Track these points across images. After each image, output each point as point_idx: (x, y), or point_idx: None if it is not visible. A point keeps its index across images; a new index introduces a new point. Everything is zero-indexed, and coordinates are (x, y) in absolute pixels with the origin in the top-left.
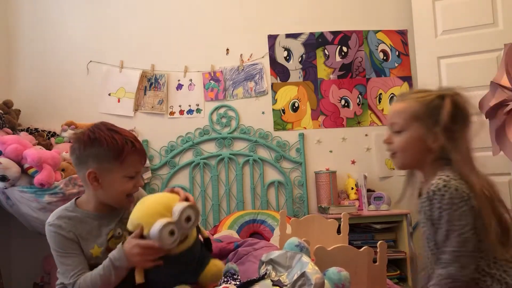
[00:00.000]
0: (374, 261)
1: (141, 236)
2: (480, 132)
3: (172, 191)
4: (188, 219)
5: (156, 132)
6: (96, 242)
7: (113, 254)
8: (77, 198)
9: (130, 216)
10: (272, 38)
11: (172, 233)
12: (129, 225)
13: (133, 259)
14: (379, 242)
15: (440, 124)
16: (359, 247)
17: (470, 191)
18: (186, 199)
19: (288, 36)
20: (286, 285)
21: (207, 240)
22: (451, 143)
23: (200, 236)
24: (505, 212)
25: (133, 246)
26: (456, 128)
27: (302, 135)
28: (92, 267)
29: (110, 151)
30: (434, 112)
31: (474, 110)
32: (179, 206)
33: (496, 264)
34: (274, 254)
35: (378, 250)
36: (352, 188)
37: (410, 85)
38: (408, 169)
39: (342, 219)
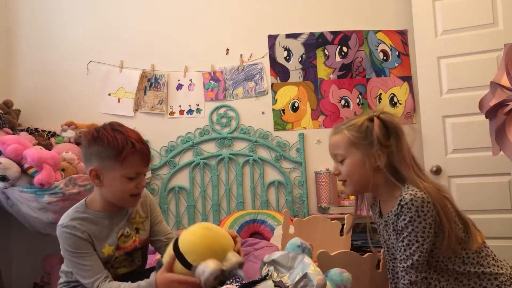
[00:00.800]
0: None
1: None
2: (416, 139)
3: (231, 233)
4: (233, 273)
5: (156, 132)
6: (107, 241)
7: (146, 282)
8: (86, 198)
9: (185, 237)
10: (272, 38)
11: (216, 278)
12: (182, 244)
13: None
14: (382, 250)
15: (375, 144)
16: (359, 247)
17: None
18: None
19: (288, 36)
20: (288, 286)
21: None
22: (393, 158)
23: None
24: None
25: (170, 281)
26: (391, 143)
27: (302, 135)
28: (103, 264)
29: (111, 150)
30: (367, 135)
31: (403, 122)
32: (234, 258)
33: (469, 259)
34: (276, 254)
35: (381, 256)
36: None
37: (410, 85)
38: (359, 194)
39: (345, 221)
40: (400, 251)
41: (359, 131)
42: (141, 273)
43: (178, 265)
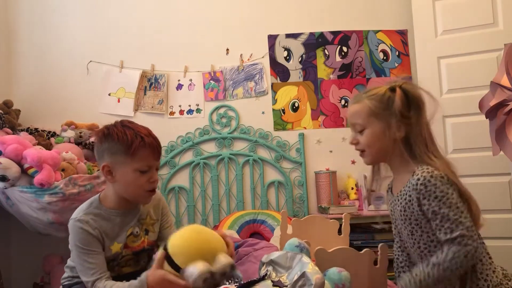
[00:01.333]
0: (375, 263)
1: (169, 262)
2: (437, 114)
3: (223, 236)
4: (224, 274)
5: (156, 132)
6: (116, 239)
7: (138, 281)
8: (100, 194)
9: (174, 241)
10: (272, 38)
11: (205, 280)
12: (170, 247)
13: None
14: (380, 244)
15: (396, 114)
16: (359, 247)
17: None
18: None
19: (288, 36)
20: (286, 286)
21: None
22: (410, 130)
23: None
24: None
25: (161, 279)
26: (411, 115)
27: (302, 135)
28: (109, 261)
29: (121, 145)
30: (388, 105)
31: (426, 94)
32: (224, 260)
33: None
34: (275, 255)
35: (379, 252)
36: (352, 188)
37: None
38: (376, 164)
39: (343, 220)
40: (440, 232)
41: (381, 101)
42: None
43: (168, 268)
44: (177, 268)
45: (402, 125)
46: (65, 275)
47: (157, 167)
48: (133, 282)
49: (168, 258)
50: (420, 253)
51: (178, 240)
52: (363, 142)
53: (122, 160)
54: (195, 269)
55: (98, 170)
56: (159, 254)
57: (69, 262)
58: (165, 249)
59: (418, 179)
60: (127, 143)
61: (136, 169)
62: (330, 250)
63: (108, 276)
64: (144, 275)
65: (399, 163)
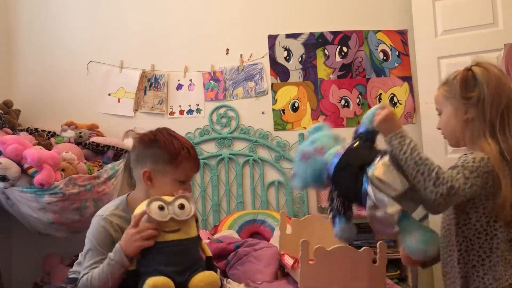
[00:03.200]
0: (374, 261)
1: None
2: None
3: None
4: (181, 206)
5: None
6: None
7: (113, 250)
8: (128, 196)
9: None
10: (272, 38)
11: (161, 208)
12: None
13: (127, 247)
14: (379, 242)
15: (459, 95)
16: (359, 247)
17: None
18: None
19: (288, 36)
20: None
21: (209, 258)
22: (476, 112)
23: (202, 251)
24: None
25: (129, 235)
26: (473, 94)
27: (302, 135)
28: None
29: (167, 153)
30: (455, 87)
31: (501, 72)
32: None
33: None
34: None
35: (378, 250)
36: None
37: (410, 85)
38: (458, 146)
39: None
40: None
41: (451, 84)
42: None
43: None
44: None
45: (468, 107)
46: (74, 268)
47: (191, 180)
48: (110, 254)
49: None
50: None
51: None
52: (440, 125)
53: (165, 168)
54: (144, 201)
55: (98, 170)
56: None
57: (81, 257)
58: None
59: (465, 154)
60: (174, 153)
61: (176, 179)
62: (329, 249)
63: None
64: (116, 245)
65: (468, 146)
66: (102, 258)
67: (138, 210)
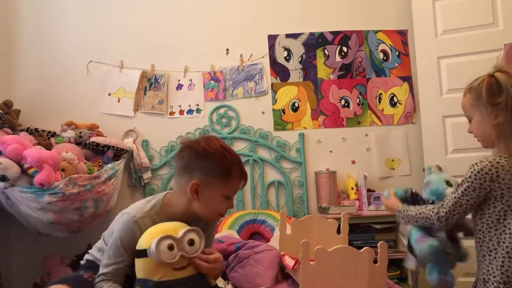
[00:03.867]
0: (375, 261)
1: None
2: None
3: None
4: (191, 242)
5: (156, 132)
6: None
7: None
8: (164, 197)
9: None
10: (272, 38)
11: (171, 248)
12: (137, 246)
13: None
14: (379, 242)
15: (485, 103)
16: (359, 247)
17: (500, 170)
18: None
19: (288, 36)
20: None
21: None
22: (501, 116)
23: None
24: None
25: None
26: (499, 102)
27: (302, 135)
28: None
29: (219, 168)
30: (480, 94)
31: None
32: (184, 228)
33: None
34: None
35: (378, 250)
36: (352, 188)
37: (410, 85)
38: (490, 148)
39: (342, 219)
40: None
41: (475, 92)
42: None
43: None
44: (143, 253)
45: (494, 112)
46: (93, 252)
47: (235, 195)
48: None
49: (137, 252)
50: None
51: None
52: (473, 130)
53: (215, 182)
54: (154, 240)
55: (98, 170)
56: None
57: (101, 243)
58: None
59: (473, 164)
60: (227, 169)
61: (224, 194)
62: (330, 249)
63: (117, 281)
64: None
65: (498, 148)
66: (123, 260)
67: (145, 245)
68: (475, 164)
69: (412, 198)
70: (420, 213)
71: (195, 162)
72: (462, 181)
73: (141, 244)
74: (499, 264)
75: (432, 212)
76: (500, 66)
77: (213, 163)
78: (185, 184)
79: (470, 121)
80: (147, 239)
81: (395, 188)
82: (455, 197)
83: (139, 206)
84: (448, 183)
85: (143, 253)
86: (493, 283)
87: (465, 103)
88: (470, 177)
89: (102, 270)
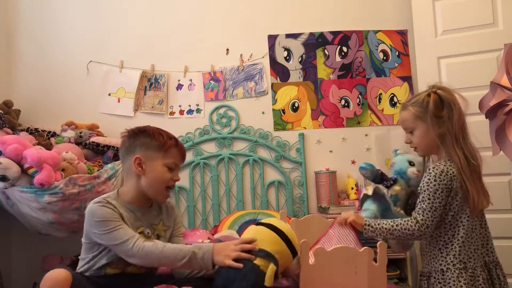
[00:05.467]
0: (375, 261)
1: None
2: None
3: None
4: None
5: None
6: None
7: (200, 245)
8: (118, 190)
9: (286, 227)
10: (272, 38)
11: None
12: (288, 232)
13: (219, 253)
14: (379, 242)
15: (431, 115)
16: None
17: (454, 171)
18: None
19: (288, 36)
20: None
21: None
22: (445, 127)
23: None
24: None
25: (227, 244)
26: (443, 114)
27: (302, 135)
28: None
29: (156, 141)
30: (427, 108)
31: (457, 95)
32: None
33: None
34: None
35: (378, 250)
36: (352, 188)
37: (410, 85)
38: (428, 155)
39: None
40: (417, 205)
41: (421, 106)
42: (147, 276)
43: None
44: (294, 253)
45: (439, 123)
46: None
47: (179, 169)
48: (194, 247)
49: (287, 241)
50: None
51: (288, 227)
52: (414, 141)
53: (155, 155)
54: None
55: (98, 170)
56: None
57: (83, 254)
58: (280, 232)
59: (429, 169)
60: (162, 141)
61: (165, 164)
62: (329, 249)
63: (139, 237)
64: (210, 244)
65: (439, 155)
66: (119, 223)
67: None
68: (433, 168)
69: (381, 175)
70: (396, 225)
71: (134, 141)
72: (427, 187)
73: (294, 242)
74: (456, 253)
75: (412, 222)
76: (437, 85)
77: (149, 138)
78: (130, 165)
79: (410, 132)
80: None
81: (363, 162)
82: (428, 203)
83: (98, 198)
84: (411, 163)
85: (293, 250)
86: (453, 271)
87: (407, 116)
88: (435, 180)
89: (125, 237)
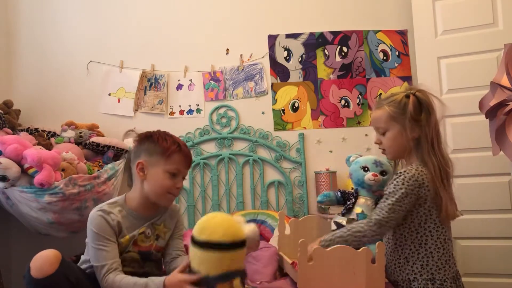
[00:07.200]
0: (373, 261)
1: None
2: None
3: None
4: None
5: None
6: (129, 234)
7: (154, 279)
8: (126, 194)
9: (200, 226)
10: (272, 38)
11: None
12: (202, 232)
13: (171, 286)
14: (377, 242)
15: (409, 118)
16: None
17: (425, 178)
18: None
19: (288, 36)
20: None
21: None
22: (421, 131)
23: None
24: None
25: (178, 280)
26: (422, 118)
27: (302, 135)
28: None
29: (159, 147)
30: (404, 109)
31: (435, 99)
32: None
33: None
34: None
35: (376, 250)
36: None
37: (410, 85)
38: (397, 159)
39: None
40: (377, 205)
41: (398, 107)
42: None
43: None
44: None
45: (415, 127)
46: (85, 258)
47: (184, 176)
48: (149, 282)
49: (211, 244)
50: None
51: (204, 223)
52: (385, 142)
53: (157, 160)
54: (250, 228)
55: (98, 170)
56: (184, 260)
57: (83, 257)
58: (198, 242)
59: (399, 172)
60: (165, 147)
61: (167, 170)
62: (328, 249)
63: (118, 266)
64: (161, 278)
65: (410, 160)
66: (110, 244)
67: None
68: (404, 171)
69: (342, 195)
70: (348, 229)
71: (140, 146)
72: (393, 189)
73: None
74: (424, 263)
75: (362, 223)
76: (415, 87)
77: (154, 143)
78: (134, 170)
79: (382, 133)
80: (224, 230)
81: (324, 192)
82: (389, 204)
83: (105, 202)
84: (365, 169)
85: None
86: (420, 282)
87: (381, 115)
88: (403, 184)
89: (100, 262)
